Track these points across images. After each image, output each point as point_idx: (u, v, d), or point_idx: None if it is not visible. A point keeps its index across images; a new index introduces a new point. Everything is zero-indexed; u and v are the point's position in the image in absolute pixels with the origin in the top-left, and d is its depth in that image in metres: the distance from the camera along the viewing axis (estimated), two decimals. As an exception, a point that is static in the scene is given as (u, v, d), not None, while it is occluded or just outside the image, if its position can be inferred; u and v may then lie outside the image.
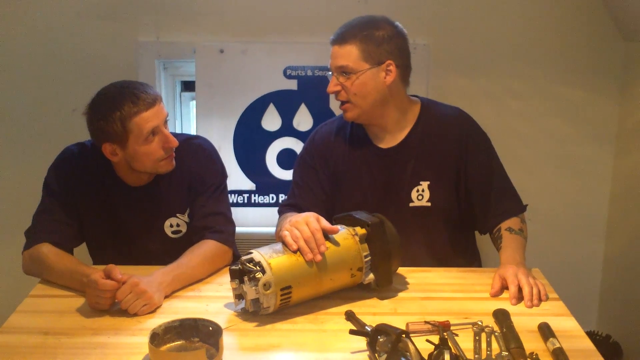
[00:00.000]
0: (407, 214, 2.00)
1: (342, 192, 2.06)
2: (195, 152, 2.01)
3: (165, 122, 1.88)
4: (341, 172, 2.06)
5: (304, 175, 2.10)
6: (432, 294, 1.75)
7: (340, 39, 1.92)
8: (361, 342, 1.44)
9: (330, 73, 1.98)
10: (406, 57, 1.98)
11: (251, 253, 1.60)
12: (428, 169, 2.00)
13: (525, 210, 2.02)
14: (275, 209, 2.56)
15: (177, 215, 2.00)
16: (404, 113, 2.02)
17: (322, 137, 2.11)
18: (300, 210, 1.98)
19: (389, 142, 2.03)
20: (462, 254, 2.09)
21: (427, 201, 2.01)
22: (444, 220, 2.04)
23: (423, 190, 2.00)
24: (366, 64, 1.91)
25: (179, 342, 1.47)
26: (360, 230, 1.68)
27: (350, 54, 1.91)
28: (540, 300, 1.67)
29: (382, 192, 2.02)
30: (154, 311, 1.63)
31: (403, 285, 1.78)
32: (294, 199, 2.09)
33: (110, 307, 1.63)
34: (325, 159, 2.07)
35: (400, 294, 1.74)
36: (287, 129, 2.59)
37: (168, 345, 1.45)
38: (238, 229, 2.06)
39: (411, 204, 2.01)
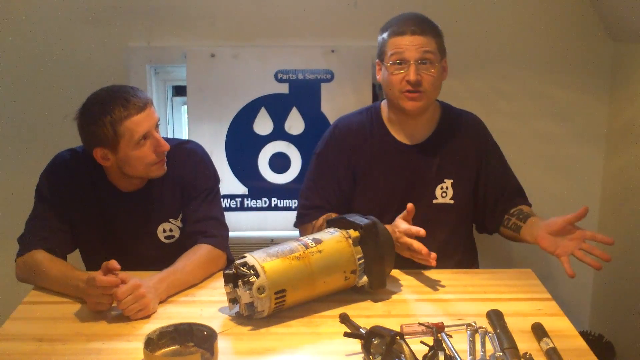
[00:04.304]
0: (430, 210, 2.03)
1: (365, 189, 2.08)
2: (187, 157, 2.01)
3: (157, 126, 1.88)
4: (364, 169, 2.07)
5: (323, 174, 2.10)
6: (426, 296, 1.75)
7: (421, 30, 1.95)
8: (356, 344, 1.45)
9: (384, 65, 1.99)
10: None
11: (245, 257, 1.60)
12: (452, 167, 2.05)
13: (531, 207, 2.07)
14: (268, 213, 2.57)
15: (170, 220, 2.00)
16: (432, 112, 2.08)
17: (342, 133, 2.11)
18: (323, 210, 2.05)
19: (412, 139, 2.06)
20: (463, 245, 2.15)
21: (451, 199, 2.05)
22: (463, 218, 2.10)
23: (447, 188, 2.05)
24: (440, 56, 1.98)
25: (173, 347, 1.47)
26: (354, 233, 1.69)
27: (431, 44, 1.96)
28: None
29: (406, 188, 2.05)
30: (147, 317, 1.63)
31: (396, 287, 1.79)
32: (318, 201, 2.08)
33: (110, 307, 1.63)
34: (347, 155, 2.08)
35: (394, 296, 1.74)
36: (278, 133, 2.59)
37: (163, 351, 1.45)
38: (230, 234, 2.06)
39: (435, 201, 2.05)
